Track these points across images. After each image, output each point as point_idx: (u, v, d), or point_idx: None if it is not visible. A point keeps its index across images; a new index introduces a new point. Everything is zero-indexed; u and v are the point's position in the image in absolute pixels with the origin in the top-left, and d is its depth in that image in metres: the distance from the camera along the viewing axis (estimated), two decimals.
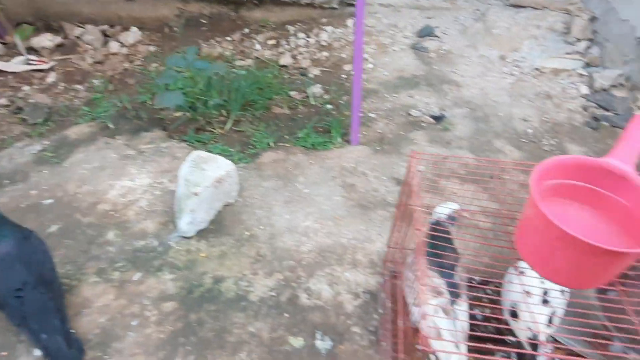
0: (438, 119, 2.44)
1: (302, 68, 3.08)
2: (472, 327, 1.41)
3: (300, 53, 3.24)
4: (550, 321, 1.21)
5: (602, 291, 1.27)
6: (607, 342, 1.23)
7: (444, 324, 1.15)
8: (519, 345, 1.20)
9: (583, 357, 1.35)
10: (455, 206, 1.28)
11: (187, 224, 1.70)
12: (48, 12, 3.57)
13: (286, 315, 1.50)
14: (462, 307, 1.21)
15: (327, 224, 1.81)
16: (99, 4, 3.56)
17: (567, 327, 1.40)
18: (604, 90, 2.60)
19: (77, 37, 3.52)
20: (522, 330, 1.20)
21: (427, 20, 3.44)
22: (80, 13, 3.59)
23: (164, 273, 1.61)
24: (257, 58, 3.20)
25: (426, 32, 3.27)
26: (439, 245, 1.24)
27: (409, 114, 2.51)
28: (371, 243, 1.74)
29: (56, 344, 1.23)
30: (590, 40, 2.95)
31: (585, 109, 2.53)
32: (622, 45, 2.68)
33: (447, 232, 1.28)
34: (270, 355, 1.39)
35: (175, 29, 3.56)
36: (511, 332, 1.28)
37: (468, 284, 1.55)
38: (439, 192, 1.89)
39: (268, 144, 2.28)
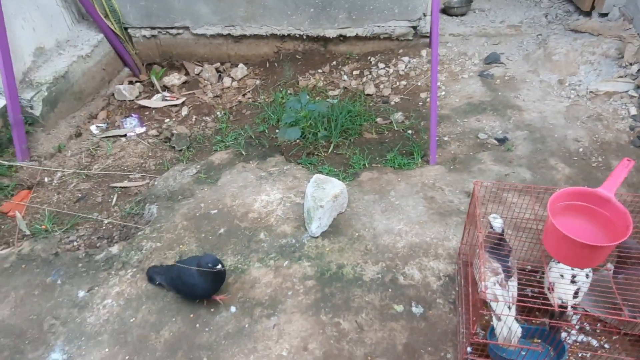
0: (501, 141, 3.06)
1: (384, 96, 3.80)
2: (525, 300, 2.07)
3: (382, 82, 3.96)
4: (575, 295, 1.85)
5: (614, 275, 1.89)
6: (619, 310, 1.84)
7: (499, 292, 1.83)
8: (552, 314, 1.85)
9: (605, 322, 1.96)
10: (500, 219, 1.96)
11: (316, 227, 2.49)
12: (172, 53, 4.59)
13: (389, 290, 2.24)
14: (513, 282, 1.88)
15: (414, 227, 2.52)
16: (212, 46, 4.51)
17: (591, 299, 2.01)
18: None
19: (197, 75, 4.50)
20: (554, 298, 1.84)
21: (494, 47, 4.02)
22: (197, 53, 4.57)
23: (303, 262, 2.41)
24: (344, 88, 3.97)
25: (492, 59, 3.85)
26: (496, 242, 1.93)
27: (477, 137, 3.14)
28: (448, 241, 2.43)
29: None
30: None
31: (632, 128, 3.02)
32: None
33: (502, 234, 1.96)
34: (381, 315, 2.14)
35: (275, 65, 4.43)
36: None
37: (522, 270, 2.20)
38: (499, 202, 2.54)
39: (364, 164, 3.02)
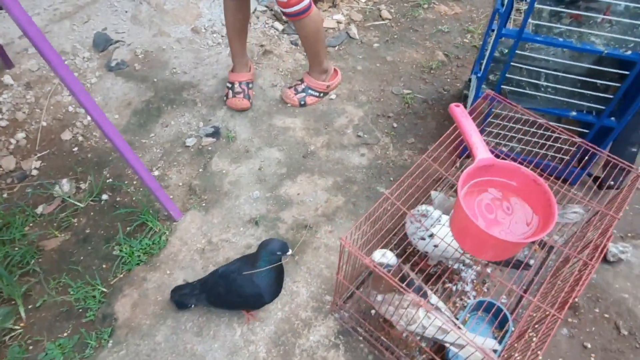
0: (215, 134, 2.22)
1: (12, 171, 2.20)
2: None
3: None
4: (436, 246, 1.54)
5: None
6: None
7: (438, 323, 1.32)
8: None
9: None
10: (390, 253, 1.36)
11: None
12: None
13: None
14: (434, 299, 1.40)
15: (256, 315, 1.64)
16: None
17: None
18: None
19: None
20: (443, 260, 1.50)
21: (86, 27, 2.75)
22: None
23: None
24: None
25: (104, 43, 2.65)
26: (399, 278, 1.35)
27: (188, 147, 2.20)
28: (299, 296, 1.69)
29: None
30: None
31: (284, 31, 2.67)
32: None
33: (400, 269, 1.38)
34: None
35: None
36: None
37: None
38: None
39: (102, 292, 1.73)
